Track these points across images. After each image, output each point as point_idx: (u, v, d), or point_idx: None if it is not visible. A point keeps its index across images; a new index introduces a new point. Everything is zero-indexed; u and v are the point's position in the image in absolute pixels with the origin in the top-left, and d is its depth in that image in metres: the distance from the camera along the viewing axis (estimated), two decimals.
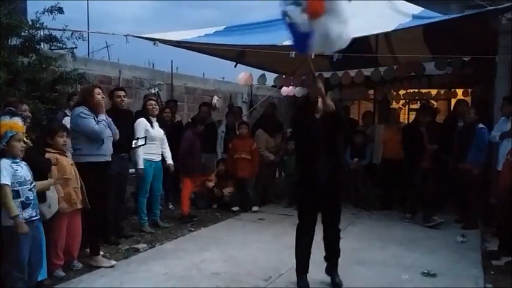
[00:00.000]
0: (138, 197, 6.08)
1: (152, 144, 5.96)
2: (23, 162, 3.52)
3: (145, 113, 6.08)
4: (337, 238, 4.27)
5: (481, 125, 6.32)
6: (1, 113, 3.51)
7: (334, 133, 4.13)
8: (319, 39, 3.50)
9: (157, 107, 6.27)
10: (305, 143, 4.15)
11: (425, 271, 4.59)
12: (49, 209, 3.99)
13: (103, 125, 4.66)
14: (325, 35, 3.49)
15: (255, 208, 7.44)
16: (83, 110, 4.62)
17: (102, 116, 4.70)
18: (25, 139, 3.58)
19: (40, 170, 3.86)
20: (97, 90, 4.78)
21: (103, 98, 4.80)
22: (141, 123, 5.94)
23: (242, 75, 9.64)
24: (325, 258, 4.29)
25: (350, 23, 3.59)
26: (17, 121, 3.49)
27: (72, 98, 5.12)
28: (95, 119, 4.63)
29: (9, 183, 3.34)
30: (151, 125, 6.01)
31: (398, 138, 7.13)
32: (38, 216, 3.57)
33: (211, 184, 7.68)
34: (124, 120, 5.40)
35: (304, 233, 4.18)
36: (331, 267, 4.25)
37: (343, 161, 4.33)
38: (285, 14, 3.54)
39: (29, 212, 3.45)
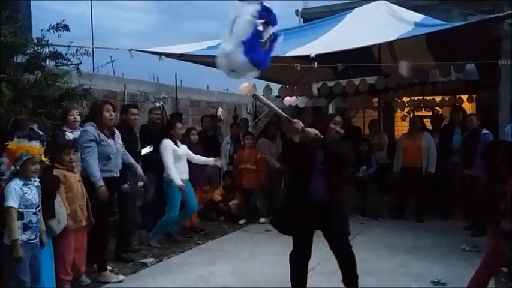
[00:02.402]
0: (167, 214, 5.92)
1: (180, 163, 5.98)
2: (36, 184, 3.56)
3: (168, 134, 6.04)
4: (351, 262, 3.95)
5: (485, 131, 6.30)
6: (21, 135, 3.52)
7: (335, 162, 3.83)
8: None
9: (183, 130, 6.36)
10: (302, 169, 3.90)
11: (436, 280, 4.56)
12: (58, 224, 4.02)
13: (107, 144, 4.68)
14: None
15: (262, 219, 7.41)
16: (88, 135, 4.59)
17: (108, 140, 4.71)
18: (43, 158, 3.61)
19: (49, 187, 3.89)
20: (107, 106, 4.78)
21: (111, 115, 4.80)
22: (168, 146, 5.91)
23: (244, 85, 9.66)
24: (343, 282, 4.01)
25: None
26: (35, 145, 3.52)
27: (68, 113, 5.08)
28: (98, 138, 4.64)
29: (16, 206, 3.37)
30: (177, 144, 6.03)
31: (418, 146, 7.14)
32: (37, 239, 3.58)
33: (218, 197, 7.67)
34: (134, 136, 5.42)
35: (295, 260, 4.01)
36: None
37: (340, 181, 3.99)
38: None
39: (28, 235, 3.47)
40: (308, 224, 3.85)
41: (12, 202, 3.35)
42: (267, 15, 3.28)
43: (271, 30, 3.31)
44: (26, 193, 3.45)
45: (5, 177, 3.45)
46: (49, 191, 3.88)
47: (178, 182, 5.79)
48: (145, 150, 6.08)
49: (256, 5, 3.26)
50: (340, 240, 3.91)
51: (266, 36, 3.27)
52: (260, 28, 3.22)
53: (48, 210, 3.85)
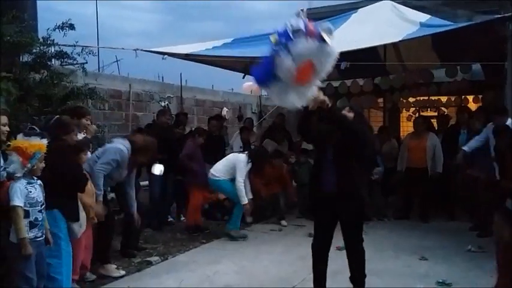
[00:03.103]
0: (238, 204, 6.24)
1: None
2: (38, 182, 3.57)
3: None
4: (361, 261, 3.96)
5: None
6: (31, 133, 3.57)
7: (346, 141, 3.80)
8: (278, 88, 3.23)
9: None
10: (315, 149, 4.06)
11: (440, 280, 4.54)
12: (80, 228, 4.08)
13: None
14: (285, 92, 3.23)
15: (284, 222, 7.20)
16: (121, 156, 4.71)
17: None
18: None
19: (80, 185, 4.01)
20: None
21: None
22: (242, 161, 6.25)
23: (247, 84, 9.66)
24: (351, 279, 4.03)
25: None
26: (44, 142, 3.54)
27: (85, 117, 5.07)
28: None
29: (22, 205, 3.39)
30: None
31: (423, 146, 7.11)
32: (43, 237, 3.59)
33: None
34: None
35: (315, 249, 4.05)
36: None
37: (358, 170, 3.93)
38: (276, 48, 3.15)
39: (34, 232, 3.48)
40: (324, 212, 3.91)
41: (18, 201, 3.36)
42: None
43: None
44: (30, 191, 3.46)
45: (19, 175, 3.44)
46: (77, 189, 3.99)
47: (243, 199, 6.14)
48: (157, 170, 6.16)
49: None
50: (355, 235, 3.94)
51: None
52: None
53: (72, 213, 3.92)
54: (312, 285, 4.18)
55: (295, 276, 4.74)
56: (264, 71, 3.27)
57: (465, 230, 6.54)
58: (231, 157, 6.51)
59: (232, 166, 6.28)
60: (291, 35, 3.03)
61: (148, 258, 5.32)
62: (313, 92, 3.57)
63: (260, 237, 6.52)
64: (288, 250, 5.73)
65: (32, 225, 3.47)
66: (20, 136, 3.53)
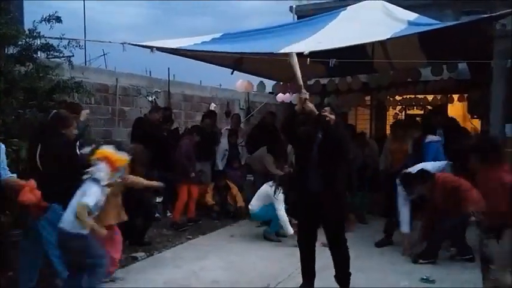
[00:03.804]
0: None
1: None
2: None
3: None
4: (345, 260, 4.05)
5: (429, 139, 6.33)
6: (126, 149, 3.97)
7: (329, 143, 3.91)
8: None
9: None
10: (297, 149, 4.12)
11: (424, 277, 4.60)
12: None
13: None
14: None
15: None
16: None
17: None
18: None
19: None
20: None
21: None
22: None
23: (240, 82, 9.65)
24: (336, 278, 4.10)
25: None
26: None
27: (81, 113, 5.02)
28: None
29: (91, 206, 3.54)
30: None
31: (405, 149, 7.07)
32: None
33: (210, 201, 7.53)
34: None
35: (301, 245, 4.16)
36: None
37: (341, 171, 4.01)
38: None
39: None
40: (307, 210, 4.00)
41: (91, 202, 3.53)
42: None
43: None
44: (100, 199, 3.64)
45: (103, 184, 3.64)
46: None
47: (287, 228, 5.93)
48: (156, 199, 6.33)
49: None
50: (336, 235, 4.00)
51: None
52: None
53: None
54: (298, 281, 4.21)
55: (282, 272, 4.76)
56: None
57: None
58: (262, 192, 6.33)
59: (265, 196, 6.19)
60: None
61: (134, 254, 5.30)
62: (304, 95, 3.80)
63: (247, 233, 6.52)
64: (276, 246, 5.75)
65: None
66: (107, 147, 3.81)
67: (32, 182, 3.78)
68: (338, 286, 4.09)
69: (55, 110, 4.34)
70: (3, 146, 3.94)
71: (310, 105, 3.91)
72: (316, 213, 3.98)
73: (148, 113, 7.35)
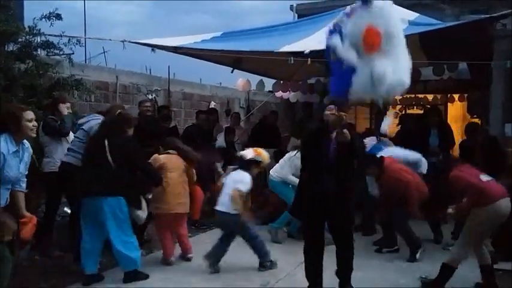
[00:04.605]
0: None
1: None
2: None
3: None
4: (350, 259, 4.07)
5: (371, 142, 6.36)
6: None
7: (346, 157, 3.90)
8: (361, 79, 3.26)
9: None
10: (313, 158, 3.97)
11: (423, 276, 4.59)
12: (143, 213, 4.57)
13: None
14: (368, 76, 3.26)
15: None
16: None
17: None
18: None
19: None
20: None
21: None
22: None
23: (240, 81, 9.65)
24: (337, 273, 4.10)
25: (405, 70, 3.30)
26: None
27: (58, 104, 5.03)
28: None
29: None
30: None
31: None
32: None
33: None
34: None
35: (310, 256, 4.02)
36: (344, 284, 4.09)
37: (352, 178, 4.06)
38: (330, 49, 3.31)
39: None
40: (318, 214, 3.92)
41: (244, 188, 4.60)
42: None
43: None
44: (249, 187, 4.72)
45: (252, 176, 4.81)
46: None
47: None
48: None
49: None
50: (348, 236, 4.04)
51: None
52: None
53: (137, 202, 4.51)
54: (297, 279, 4.22)
55: (280, 270, 4.77)
56: (339, 78, 3.39)
57: (446, 227, 6.60)
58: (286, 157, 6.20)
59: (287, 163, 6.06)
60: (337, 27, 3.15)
61: None
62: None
63: None
64: (275, 245, 5.74)
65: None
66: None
67: (35, 219, 3.63)
68: (338, 286, 4.09)
69: (119, 110, 4.71)
70: (30, 149, 3.67)
71: (347, 134, 3.74)
72: (329, 216, 3.95)
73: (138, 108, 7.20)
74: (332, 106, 4.00)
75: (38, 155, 4.81)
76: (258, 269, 4.74)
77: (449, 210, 4.02)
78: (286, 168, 6.01)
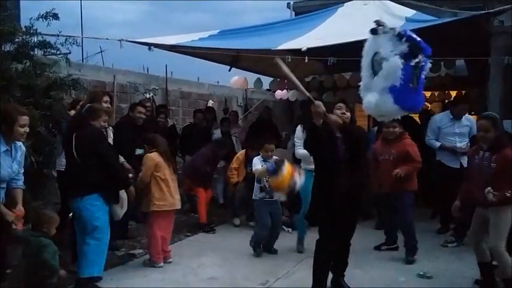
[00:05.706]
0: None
1: None
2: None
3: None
4: (348, 252, 4.15)
5: None
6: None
7: (356, 148, 3.84)
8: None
9: None
10: (326, 159, 3.85)
11: (421, 273, 4.61)
12: (121, 209, 4.32)
13: None
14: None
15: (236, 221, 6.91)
16: None
17: None
18: None
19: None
20: (105, 97, 4.84)
21: (109, 107, 4.85)
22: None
23: (236, 79, 9.64)
24: (332, 268, 4.07)
25: None
26: None
27: (75, 107, 5.03)
28: None
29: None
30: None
31: None
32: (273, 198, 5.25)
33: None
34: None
35: (325, 251, 3.92)
36: (338, 278, 4.12)
37: (367, 176, 4.12)
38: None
39: (262, 195, 5.36)
40: (338, 215, 3.82)
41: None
42: (415, 49, 3.32)
43: (421, 60, 3.33)
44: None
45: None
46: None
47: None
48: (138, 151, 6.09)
49: (404, 44, 3.30)
50: (352, 231, 4.06)
51: (415, 76, 3.27)
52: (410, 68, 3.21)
53: (114, 197, 4.25)
54: (297, 278, 4.22)
55: (279, 268, 4.77)
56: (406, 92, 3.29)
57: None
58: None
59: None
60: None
61: (132, 251, 5.31)
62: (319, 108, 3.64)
63: (244, 230, 6.52)
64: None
65: (261, 189, 5.29)
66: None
67: (22, 209, 3.62)
68: (330, 280, 4.10)
69: (89, 104, 4.43)
70: (23, 148, 3.74)
71: (333, 117, 3.72)
72: (348, 216, 3.90)
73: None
74: (342, 104, 3.97)
75: (39, 155, 4.84)
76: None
77: (490, 196, 3.75)
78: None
